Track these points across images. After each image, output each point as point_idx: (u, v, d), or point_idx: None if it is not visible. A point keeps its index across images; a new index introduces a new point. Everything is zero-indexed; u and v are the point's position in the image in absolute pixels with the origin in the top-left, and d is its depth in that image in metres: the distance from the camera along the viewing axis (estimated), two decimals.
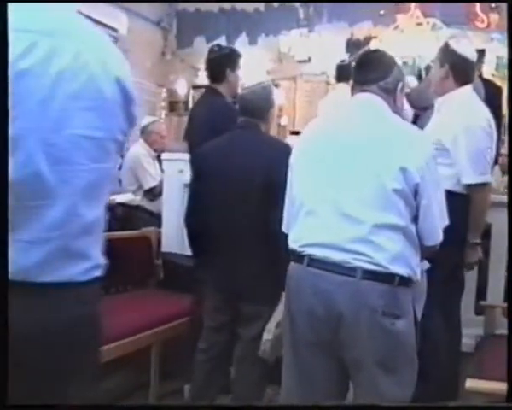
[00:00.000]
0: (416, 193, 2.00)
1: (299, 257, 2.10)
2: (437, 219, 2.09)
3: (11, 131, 1.23)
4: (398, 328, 2.00)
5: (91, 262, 1.43)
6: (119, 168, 5.62)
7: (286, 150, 2.95)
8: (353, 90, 2.28)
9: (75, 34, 1.38)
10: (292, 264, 2.16)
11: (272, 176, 2.66)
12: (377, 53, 2.37)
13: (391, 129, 2.13)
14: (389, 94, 2.20)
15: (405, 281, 2.01)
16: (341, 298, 1.99)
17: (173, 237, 3.84)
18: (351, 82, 5.21)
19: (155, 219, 4.66)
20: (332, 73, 6.53)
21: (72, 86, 1.33)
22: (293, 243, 2.15)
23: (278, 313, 2.76)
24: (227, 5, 9.01)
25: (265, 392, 3.07)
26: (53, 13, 1.37)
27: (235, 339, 2.98)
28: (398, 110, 2.24)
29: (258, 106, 2.92)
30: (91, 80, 1.36)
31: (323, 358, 2.11)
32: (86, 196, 1.39)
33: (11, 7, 1.29)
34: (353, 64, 6.05)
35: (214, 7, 9.14)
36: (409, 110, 2.75)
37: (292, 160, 2.30)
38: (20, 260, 1.27)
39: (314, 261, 2.04)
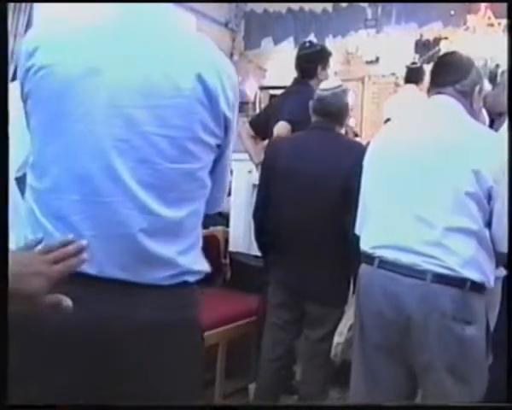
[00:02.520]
0: (489, 197, 1.96)
1: (369, 259, 2.11)
2: None
3: (78, 127, 1.25)
4: (468, 334, 1.97)
5: (177, 269, 1.39)
6: None
7: (364, 153, 2.93)
8: (430, 92, 2.27)
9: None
10: (363, 265, 2.16)
11: (350, 179, 2.64)
12: (455, 55, 2.35)
13: (465, 131, 2.10)
14: (466, 97, 2.17)
15: (478, 287, 1.97)
16: (411, 301, 1.98)
17: (241, 236, 3.87)
18: (420, 84, 5.10)
19: (223, 218, 4.70)
20: (401, 74, 6.46)
21: (145, 84, 1.31)
22: (365, 245, 2.15)
23: (350, 316, 2.75)
24: (295, 6, 8.99)
25: (329, 394, 3.07)
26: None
27: (301, 339, 2.99)
28: (474, 113, 2.21)
29: (338, 109, 2.90)
30: (166, 78, 1.32)
31: (391, 361, 2.10)
32: (161, 196, 1.34)
33: None
34: (425, 66, 5.92)
35: (282, 8, 9.14)
36: (485, 114, 2.70)
37: (365, 161, 2.30)
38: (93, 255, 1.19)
39: (384, 263, 2.04)
